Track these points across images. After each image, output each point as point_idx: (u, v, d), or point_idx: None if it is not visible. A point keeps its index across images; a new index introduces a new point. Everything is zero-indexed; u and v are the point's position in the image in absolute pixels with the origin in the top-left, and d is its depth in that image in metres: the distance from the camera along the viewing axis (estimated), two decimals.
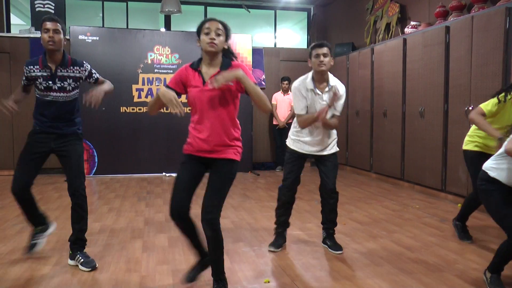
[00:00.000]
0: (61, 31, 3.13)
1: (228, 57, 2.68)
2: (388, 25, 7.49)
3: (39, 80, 3.19)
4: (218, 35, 2.55)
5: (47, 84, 3.17)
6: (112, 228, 4.30)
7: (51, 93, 3.20)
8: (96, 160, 7.76)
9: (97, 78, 3.39)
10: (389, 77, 6.87)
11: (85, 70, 3.29)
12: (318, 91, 3.46)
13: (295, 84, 3.52)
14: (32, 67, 3.20)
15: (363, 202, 5.52)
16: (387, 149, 6.97)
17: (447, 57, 5.52)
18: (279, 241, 3.68)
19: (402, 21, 7.20)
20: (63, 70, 3.19)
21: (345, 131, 8.45)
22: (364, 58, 7.70)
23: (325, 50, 3.38)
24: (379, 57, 7.18)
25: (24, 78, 3.28)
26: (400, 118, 6.57)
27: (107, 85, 3.37)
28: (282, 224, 3.73)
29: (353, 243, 3.80)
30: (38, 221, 3.44)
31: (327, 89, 3.48)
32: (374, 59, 7.36)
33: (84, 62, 3.33)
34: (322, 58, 3.36)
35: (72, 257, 3.27)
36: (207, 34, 2.54)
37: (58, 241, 3.82)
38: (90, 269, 3.14)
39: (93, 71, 3.37)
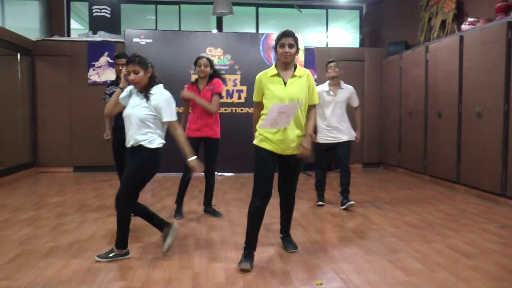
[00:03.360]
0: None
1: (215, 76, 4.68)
2: (443, 22, 7.22)
3: None
4: (206, 66, 4.64)
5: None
6: None
7: None
8: None
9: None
10: (444, 76, 6.63)
11: None
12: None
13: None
14: (112, 86, 4.56)
15: (417, 206, 5.36)
16: (441, 151, 6.73)
17: (509, 55, 5.25)
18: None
19: (459, 17, 6.92)
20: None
21: (398, 132, 8.24)
22: (418, 57, 7.47)
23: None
24: (434, 56, 6.95)
25: (107, 95, 4.54)
26: (455, 119, 6.33)
27: None
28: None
29: (406, 247, 3.70)
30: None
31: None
32: (428, 57, 7.13)
33: None
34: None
35: None
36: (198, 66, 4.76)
37: (106, 235, 3.97)
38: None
39: None
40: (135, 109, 3.36)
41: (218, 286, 2.89)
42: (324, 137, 5.20)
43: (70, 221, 4.54)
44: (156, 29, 9.35)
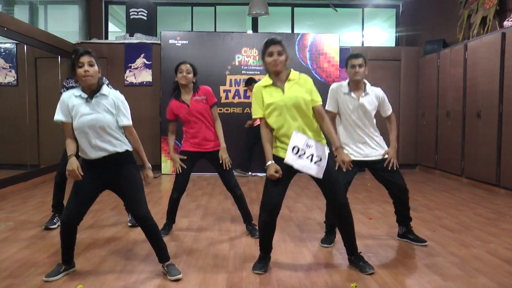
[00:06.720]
0: None
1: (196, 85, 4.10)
2: (484, 19, 7.00)
3: None
4: (189, 72, 3.98)
5: None
6: (200, 224, 4.48)
7: None
8: None
9: None
10: (484, 75, 6.44)
11: None
12: (353, 95, 3.65)
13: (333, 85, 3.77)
14: (71, 80, 4.22)
15: (454, 209, 5.23)
16: (480, 152, 6.53)
17: None
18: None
19: (501, 13, 6.69)
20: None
21: (435, 133, 8.05)
22: (456, 55, 7.28)
23: (360, 61, 3.59)
24: (473, 54, 6.75)
25: (65, 88, 4.21)
26: (496, 119, 6.13)
27: None
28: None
29: (444, 252, 3.61)
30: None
31: (363, 94, 3.66)
32: (467, 56, 6.94)
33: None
34: (357, 68, 3.59)
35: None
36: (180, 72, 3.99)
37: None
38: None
39: None
40: (97, 116, 2.93)
41: (252, 285, 2.91)
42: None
43: (106, 219, 4.67)
44: (192, 30, 9.48)
